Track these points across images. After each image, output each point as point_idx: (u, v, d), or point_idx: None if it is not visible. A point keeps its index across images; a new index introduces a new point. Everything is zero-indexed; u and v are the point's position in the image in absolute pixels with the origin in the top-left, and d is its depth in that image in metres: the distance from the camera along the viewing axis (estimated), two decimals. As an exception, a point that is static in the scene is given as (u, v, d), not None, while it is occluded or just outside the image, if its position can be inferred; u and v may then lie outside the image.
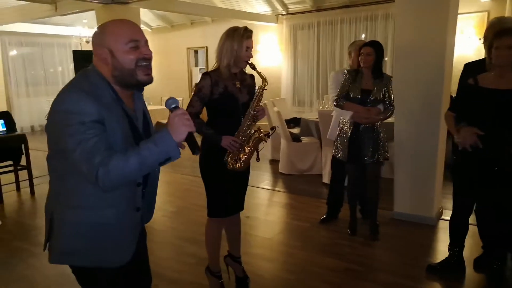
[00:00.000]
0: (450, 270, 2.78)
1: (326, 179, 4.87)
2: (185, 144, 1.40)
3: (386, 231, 3.50)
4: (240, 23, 8.35)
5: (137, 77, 1.37)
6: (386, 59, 7.04)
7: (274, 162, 6.09)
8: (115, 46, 1.34)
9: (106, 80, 1.37)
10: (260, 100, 2.35)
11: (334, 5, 7.80)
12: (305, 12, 8.25)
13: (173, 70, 10.33)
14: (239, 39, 2.26)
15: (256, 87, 2.43)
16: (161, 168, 1.50)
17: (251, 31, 2.31)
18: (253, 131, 2.35)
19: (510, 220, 2.51)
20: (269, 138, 2.34)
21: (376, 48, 3.14)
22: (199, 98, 2.32)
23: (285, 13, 8.47)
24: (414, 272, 2.85)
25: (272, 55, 8.86)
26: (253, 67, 2.35)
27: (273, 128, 2.33)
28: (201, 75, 2.36)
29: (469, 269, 2.82)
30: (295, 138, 5.54)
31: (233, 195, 2.49)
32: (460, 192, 2.69)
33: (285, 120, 6.53)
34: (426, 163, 3.58)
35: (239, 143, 2.30)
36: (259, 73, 2.37)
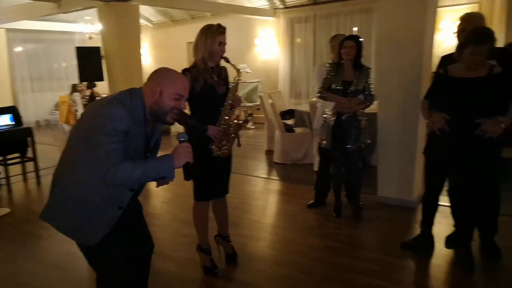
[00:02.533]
0: (421, 246, 3.00)
1: (317, 167, 5.06)
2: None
3: (369, 214, 3.73)
4: (239, 18, 8.64)
5: (166, 117, 1.76)
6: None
7: (269, 153, 6.32)
8: (166, 90, 1.71)
9: (144, 105, 1.73)
10: (236, 90, 2.57)
11: (330, -1, 7.97)
12: (302, 5, 8.44)
13: (172, 64, 10.31)
14: (212, 34, 2.47)
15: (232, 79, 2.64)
16: None
17: (224, 28, 2.52)
18: (232, 119, 2.57)
19: (476, 199, 2.72)
20: (247, 124, 2.57)
21: (357, 41, 3.35)
22: None
23: (282, 6, 8.65)
24: (391, 248, 3.07)
25: (269, 49, 9.07)
26: (227, 60, 2.57)
27: (250, 115, 2.56)
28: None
29: (440, 245, 3.03)
30: (289, 129, 5.76)
31: (217, 180, 2.72)
32: (429, 172, 2.92)
33: (282, 112, 6.77)
34: (407, 150, 3.79)
35: (222, 131, 2.53)
36: (233, 66, 2.59)
